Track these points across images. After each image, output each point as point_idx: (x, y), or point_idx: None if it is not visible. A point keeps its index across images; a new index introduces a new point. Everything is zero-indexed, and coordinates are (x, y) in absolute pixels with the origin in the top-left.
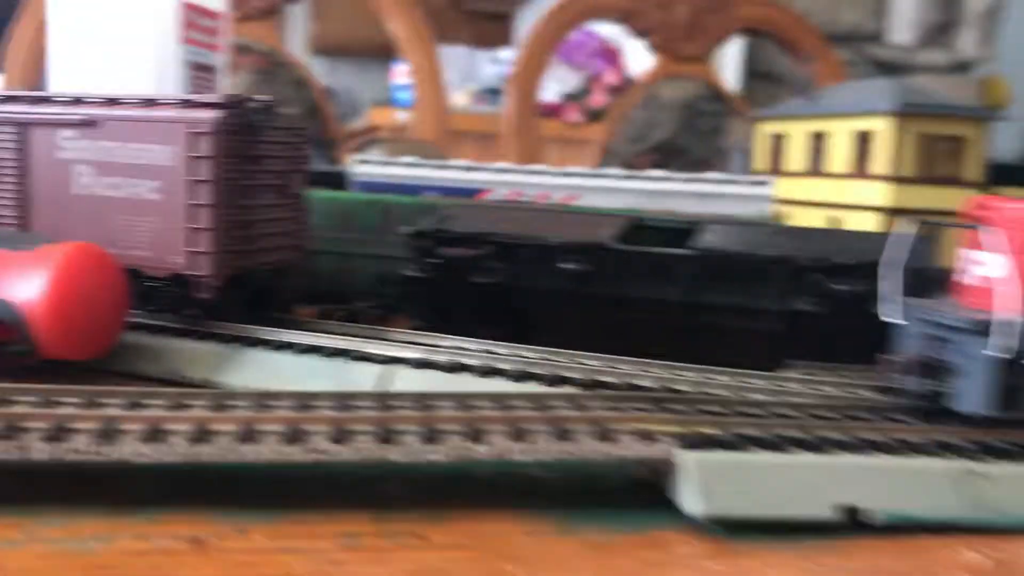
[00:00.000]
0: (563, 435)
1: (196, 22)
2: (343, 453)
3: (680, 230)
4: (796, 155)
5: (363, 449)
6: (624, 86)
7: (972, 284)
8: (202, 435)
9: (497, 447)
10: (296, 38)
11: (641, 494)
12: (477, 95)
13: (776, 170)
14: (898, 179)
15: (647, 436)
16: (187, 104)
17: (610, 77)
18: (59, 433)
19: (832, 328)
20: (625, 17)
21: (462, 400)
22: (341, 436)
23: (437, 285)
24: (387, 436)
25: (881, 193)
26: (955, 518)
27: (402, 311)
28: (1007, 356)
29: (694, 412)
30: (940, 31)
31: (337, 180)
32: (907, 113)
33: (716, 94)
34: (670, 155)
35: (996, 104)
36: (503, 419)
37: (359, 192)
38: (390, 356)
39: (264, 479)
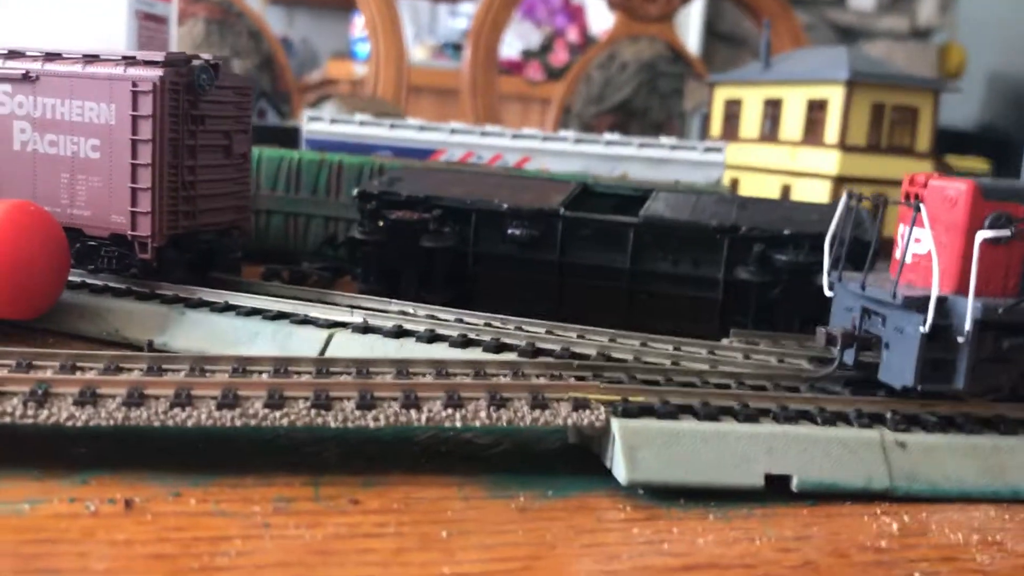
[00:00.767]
0: (500, 403)
1: None
2: (278, 418)
3: (632, 197)
4: (751, 121)
5: (299, 414)
6: (586, 44)
7: (906, 259)
8: (138, 399)
9: (434, 414)
10: None
11: (576, 462)
12: (436, 50)
13: (732, 136)
14: (849, 147)
15: (582, 404)
16: (129, 61)
17: (572, 35)
18: None
19: (775, 298)
20: None
21: (402, 366)
22: (278, 401)
23: (385, 248)
24: (325, 402)
25: (832, 161)
26: (880, 487)
27: (350, 274)
28: (928, 331)
29: (630, 380)
30: None
31: (289, 137)
32: (860, 82)
33: (677, 55)
34: (630, 116)
35: (954, 71)
36: (442, 386)
37: (309, 150)
38: (333, 321)
39: (199, 443)
